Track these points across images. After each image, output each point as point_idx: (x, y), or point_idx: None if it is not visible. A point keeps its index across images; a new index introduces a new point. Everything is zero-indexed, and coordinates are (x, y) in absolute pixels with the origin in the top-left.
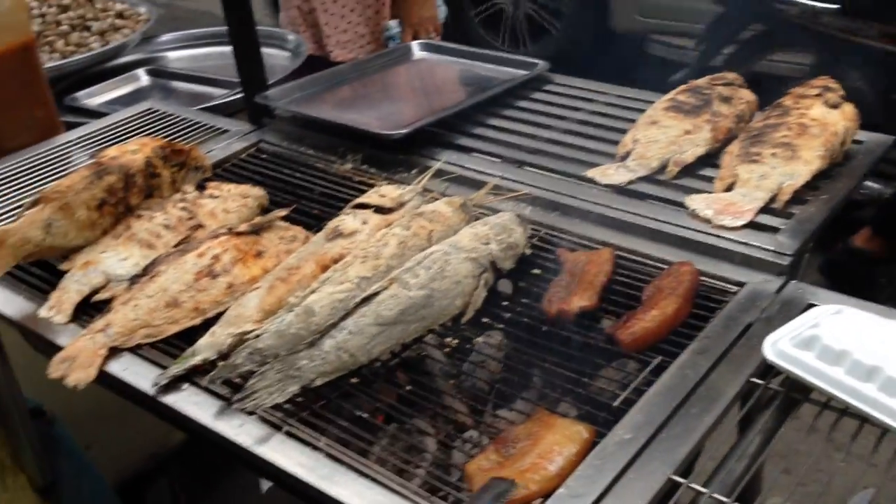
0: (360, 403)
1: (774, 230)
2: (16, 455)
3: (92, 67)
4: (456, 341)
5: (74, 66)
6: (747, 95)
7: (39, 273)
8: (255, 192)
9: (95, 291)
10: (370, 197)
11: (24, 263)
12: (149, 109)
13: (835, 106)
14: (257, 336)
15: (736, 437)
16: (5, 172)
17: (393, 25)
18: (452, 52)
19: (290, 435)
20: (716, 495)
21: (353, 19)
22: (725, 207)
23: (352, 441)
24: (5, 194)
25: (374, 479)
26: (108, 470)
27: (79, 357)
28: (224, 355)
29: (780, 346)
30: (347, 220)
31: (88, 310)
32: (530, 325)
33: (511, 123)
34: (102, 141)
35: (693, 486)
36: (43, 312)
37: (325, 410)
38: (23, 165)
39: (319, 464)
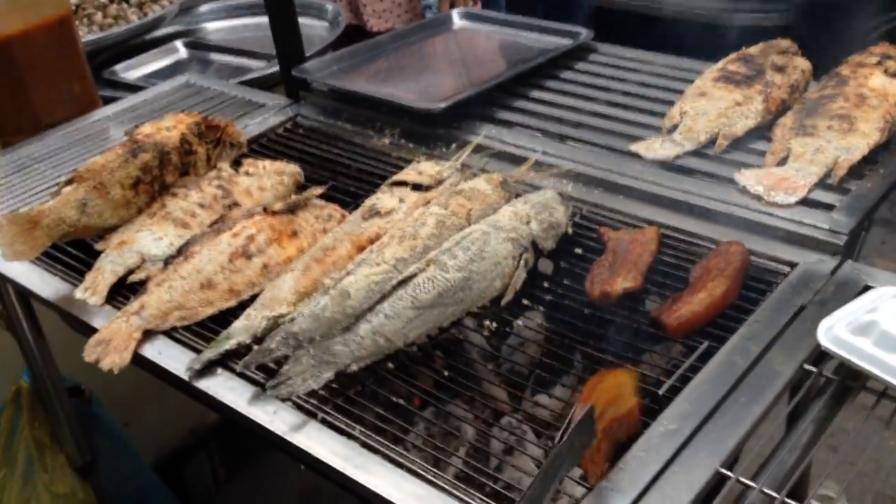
0: (395, 389)
1: (829, 207)
2: (55, 434)
3: (130, 40)
4: (495, 324)
5: (113, 39)
6: (802, 64)
7: (75, 253)
8: (291, 169)
9: (130, 272)
10: (408, 174)
11: (59, 243)
12: (186, 83)
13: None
14: (292, 319)
15: (785, 427)
16: (44, 149)
17: None
18: (493, 20)
19: (324, 422)
20: (766, 490)
21: None
22: (777, 183)
23: (387, 429)
24: (44, 171)
25: (409, 470)
26: (147, 447)
27: (113, 340)
28: (258, 339)
29: (834, 332)
30: (384, 198)
31: (123, 290)
32: (572, 308)
33: (553, 95)
34: (140, 115)
35: (742, 479)
36: (78, 294)
37: (360, 396)
38: (61, 141)
39: (354, 452)
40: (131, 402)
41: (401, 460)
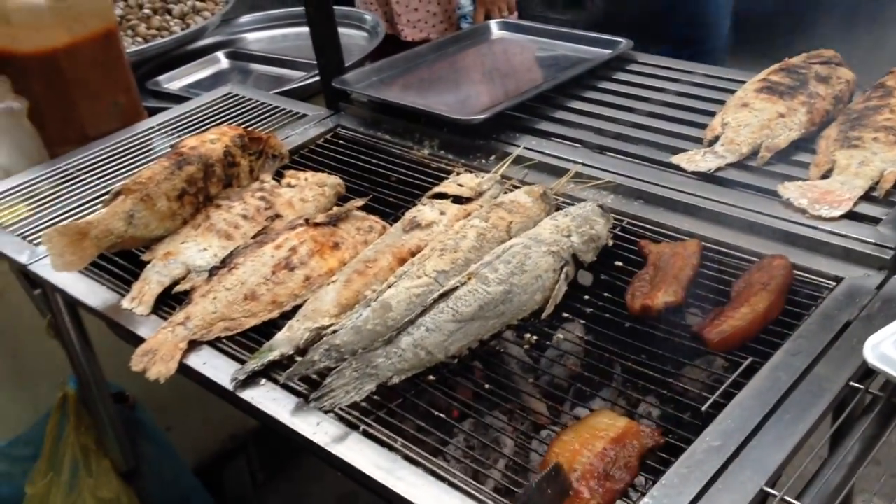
0: (435, 401)
1: (875, 220)
2: (100, 440)
3: (173, 51)
4: (535, 337)
5: (156, 50)
6: (846, 74)
7: (122, 263)
8: (332, 181)
9: (176, 282)
10: (448, 186)
11: (107, 253)
12: (228, 94)
13: None
14: (334, 332)
15: (829, 445)
16: (90, 160)
17: (465, 3)
18: (532, 30)
19: (366, 434)
20: None
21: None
22: (822, 196)
23: (427, 440)
24: (90, 182)
25: (450, 482)
26: (188, 451)
27: (160, 350)
28: (301, 350)
29: (882, 349)
30: (425, 210)
31: (169, 300)
32: (612, 321)
33: (592, 106)
34: (183, 126)
35: (787, 498)
36: (125, 304)
37: (401, 408)
38: (106, 153)
39: (396, 465)
40: (173, 407)
41: (441, 473)
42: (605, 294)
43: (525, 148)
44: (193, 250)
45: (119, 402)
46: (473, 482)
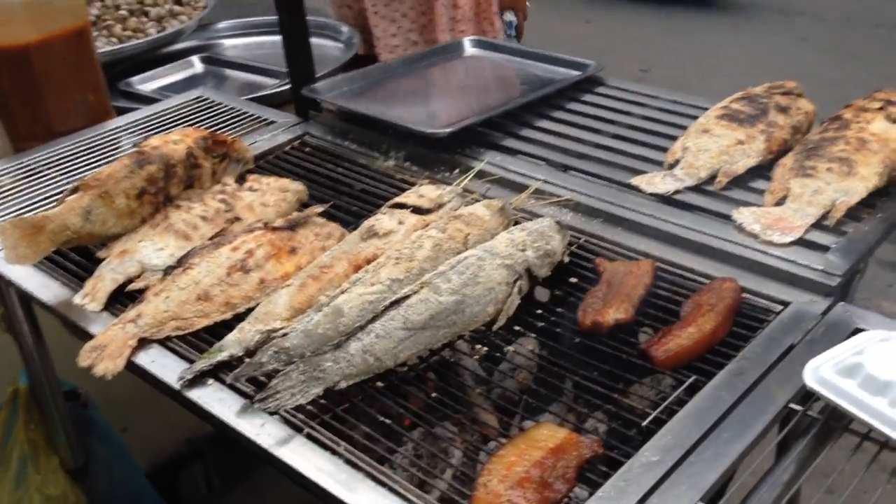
0: (384, 408)
1: (825, 248)
2: (49, 437)
3: (148, 53)
4: (486, 349)
5: (130, 51)
6: (806, 106)
7: (77, 259)
8: (295, 187)
9: (130, 280)
10: (408, 197)
11: (62, 249)
12: (198, 98)
13: None
14: (284, 335)
15: (771, 465)
16: (54, 156)
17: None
18: (504, 49)
19: (310, 437)
20: None
21: (404, 24)
22: (774, 222)
23: (373, 447)
24: (54, 178)
25: (392, 490)
26: (143, 454)
27: (108, 346)
28: (251, 352)
29: (820, 373)
30: (384, 219)
31: (123, 298)
32: (563, 336)
33: (558, 126)
34: (152, 127)
35: None
36: (77, 300)
37: (348, 414)
38: (71, 150)
39: (338, 469)
40: (129, 408)
41: (384, 479)
42: (559, 309)
43: (488, 163)
44: (150, 249)
45: (71, 400)
46: (417, 490)
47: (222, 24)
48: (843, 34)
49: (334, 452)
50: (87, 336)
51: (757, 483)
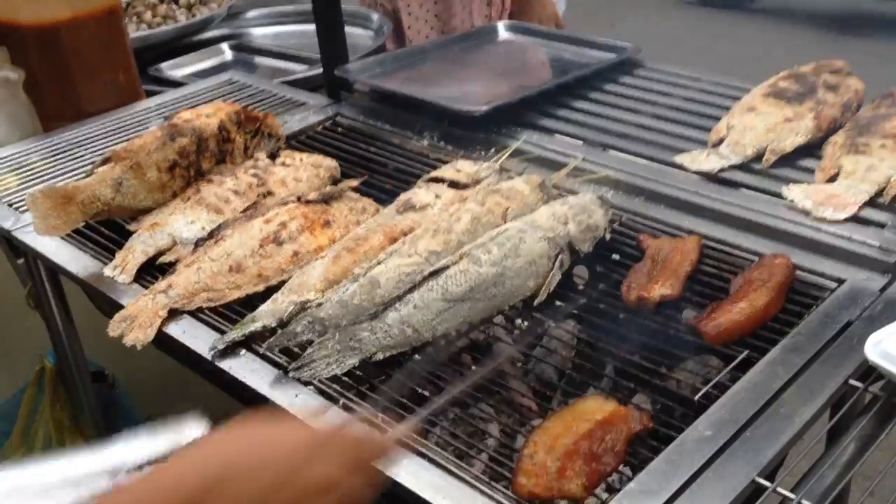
0: (422, 382)
1: (881, 226)
2: (75, 417)
3: (177, 40)
4: (526, 324)
5: (160, 38)
6: (856, 84)
7: (108, 234)
8: (328, 163)
9: (161, 253)
10: (445, 171)
11: (92, 223)
12: (229, 80)
13: None
14: (319, 305)
15: (825, 444)
16: (83, 136)
17: None
18: (539, 34)
19: (346, 408)
20: (805, 502)
21: (435, 25)
22: (827, 199)
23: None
24: (82, 156)
25: (432, 461)
26: None
27: (139, 317)
28: (284, 323)
29: (883, 346)
30: (420, 192)
31: (153, 271)
32: (607, 312)
33: (597, 107)
34: (182, 109)
35: (780, 490)
36: (107, 271)
37: (385, 386)
38: (100, 129)
39: None
40: (155, 395)
41: (422, 450)
42: (601, 286)
43: (526, 142)
44: (181, 222)
45: (98, 381)
46: (458, 462)
47: (252, 13)
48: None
49: (371, 424)
50: (117, 308)
51: (814, 464)
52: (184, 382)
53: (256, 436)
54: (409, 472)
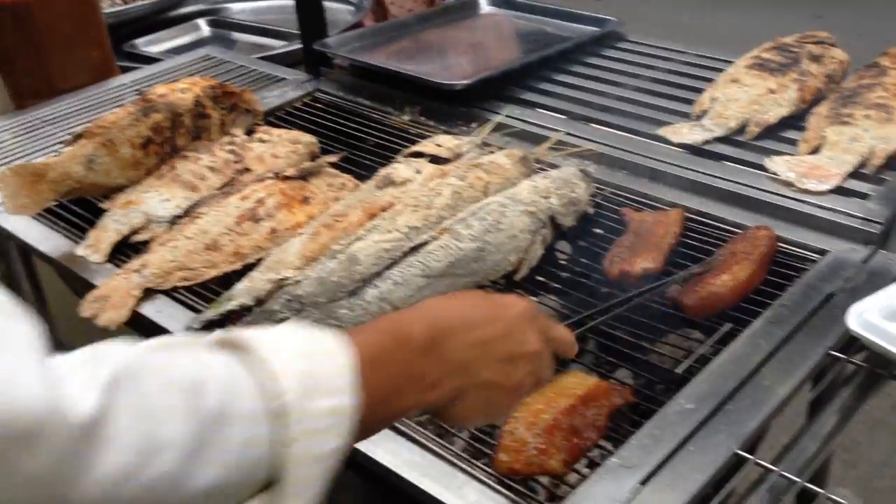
0: None
1: (864, 196)
2: None
3: (153, 15)
4: None
5: (135, 13)
6: (839, 55)
7: (80, 212)
8: (306, 139)
9: (135, 232)
10: (426, 146)
11: (64, 201)
12: (206, 56)
13: None
14: (297, 282)
15: (806, 416)
16: (57, 113)
17: None
18: (521, 7)
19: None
20: (786, 473)
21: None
22: (810, 170)
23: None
24: (54, 133)
25: (411, 439)
26: None
27: (112, 297)
28: (261, 301)
29: (866, 317)
30: (400, 168)
31: (127, 250)
32: (589, 287)
33: (579, 80)
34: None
35: (761, 462)
36: (80, 250)
37: None
38: (75, 106)
39: None
40: None
41: (402, 428)
42: (583, 260)
43: (507, 116)
44: (155, 200)
45: None
46: (439, 440)
47: None
48: (857, 11)
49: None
50: (90, 288)
51: (796, 435)
52: None
53: (483, 297)
54: (388, 451)
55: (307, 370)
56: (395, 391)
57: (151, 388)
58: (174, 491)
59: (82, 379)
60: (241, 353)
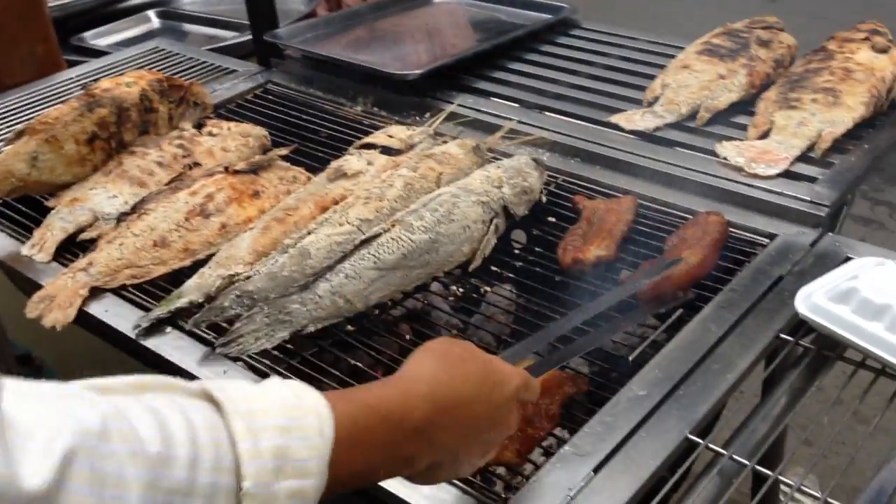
0: (356, 353)
1: (812, 180)
2: None
3: (101, 8)
4: (462, 290)
5: (82, 6)
6: (788, 39)
7: (25, 210)
8: (257, 132)
9: (82, 230)
10: (377, 137)
11: (8, 199)
12: (155, 48)
13: (883, 50)
14: (247, 278)
15: (759, 398)
16: (1, 109)
17: None
18: None
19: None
20: (736, 457)
21: None
22: (759, 155)
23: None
24: (1, 131)
25: None
26: None
27: (58, 296)
28: (211, 298)
29: (813, 300)
30: (352, 160)
31: (74, 249)
32: (543, 276)
33: (533, 68)
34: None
35: (711, 446)
36: (25, 250)
37: (317, 359)
38: (19, 102)
39: None
40: (86, 377)
41: None
42: (537, 249)
43: (460, 105)
44: (102, 197)
45: (25, 365)
46: None
47: None
48: None
49: None
50: (36, 288)
51: (747, 417)
52: (117, 361)
53: (483, 369)
54: None
55: (281, 446)
56: (371, 469)
57: (114, 457)
58: None
59: (39, 447)
60: (217, 414)
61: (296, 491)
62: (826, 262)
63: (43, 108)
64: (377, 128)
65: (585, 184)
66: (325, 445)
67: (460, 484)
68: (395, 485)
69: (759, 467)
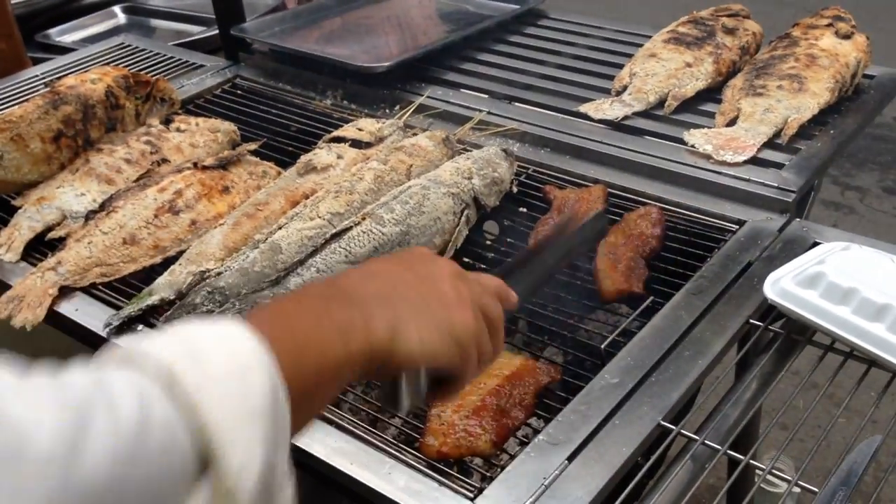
0: None
1: (779, 166)
2: None
3: (66, 4)
4: None
5: (47, 2)
6: (753, 27)
7: None
8: (225, 127)
9: (50, 229)
10: (347, 130)
11: None
12: (121, 44)
13: (846, 36)
14: (218, 274)
15: (732, 383)
16: None
17: None
18: None
19: None
20: (708, 442)
21: None
22: (726, 142)
23: None
24: None
25: (341, 427)
26: None
27: (27, 296)
28: (183, 295)
29: (781, 285)
30: (321, 153)
31: (42, 248)
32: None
33: (501, 59)
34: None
35: (684, 432)
36: None
37: None
38: None
39: None
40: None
41: (334, 419)
42: (508, 239)
43: (429, 97)
44: (70, 195)
45: None
46: (370, 428)
47: None
48: None
49: None
50: (5, 288)
51: (719, 402)
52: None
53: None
54: (317, 441)
55: (190, 346)
56: (313, 340)
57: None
58: None
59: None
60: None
61: (232, 351)
62: (794, 247)
63: (7, 107)
64: (347, 121)
65: (555, 174)
66: (238, 324)
67: (433, 474)
68: (371, 478)
69: (731, 452)
